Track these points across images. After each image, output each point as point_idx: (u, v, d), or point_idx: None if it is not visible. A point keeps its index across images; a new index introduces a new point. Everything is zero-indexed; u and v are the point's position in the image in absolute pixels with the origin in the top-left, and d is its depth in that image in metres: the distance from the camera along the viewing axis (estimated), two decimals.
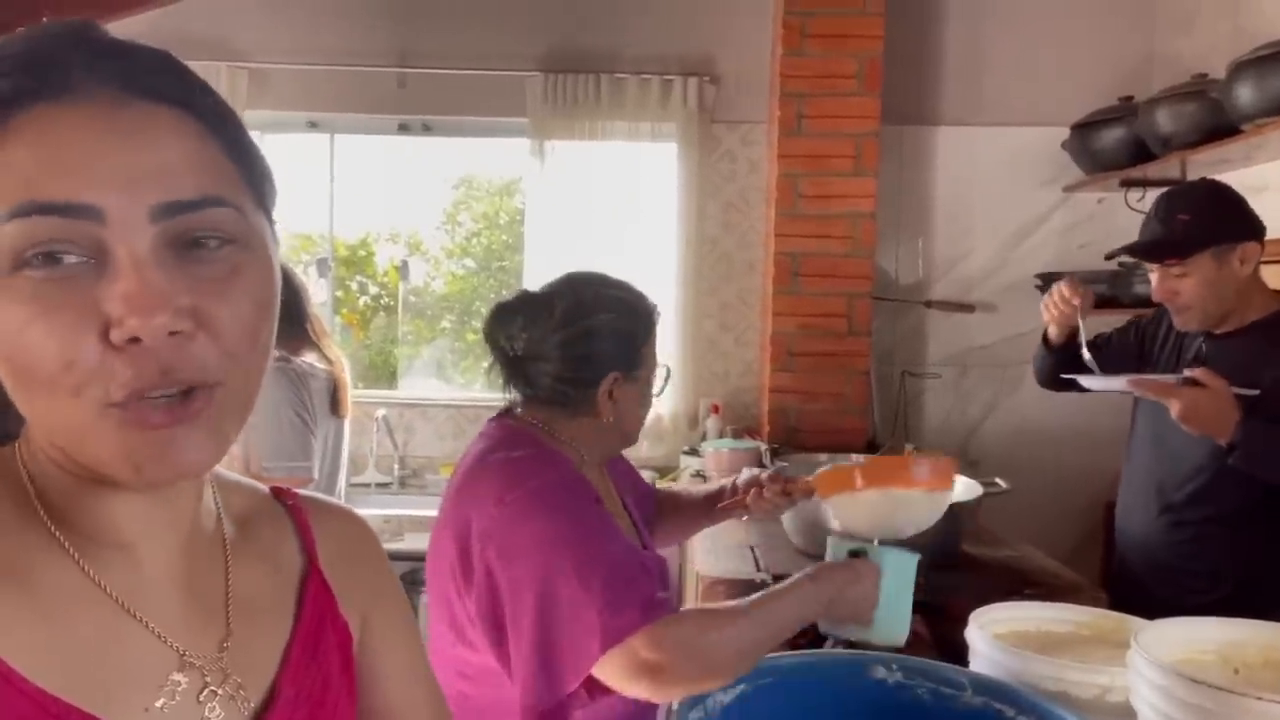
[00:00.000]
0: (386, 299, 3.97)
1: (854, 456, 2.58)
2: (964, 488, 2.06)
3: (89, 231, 0.45)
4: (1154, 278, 1.78)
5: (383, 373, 3.84)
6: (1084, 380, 1.90)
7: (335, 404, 2.46)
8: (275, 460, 2.34)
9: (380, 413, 3.31)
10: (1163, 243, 1.73)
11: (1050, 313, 1.99)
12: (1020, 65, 3.33)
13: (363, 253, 4.06)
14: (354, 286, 4.02)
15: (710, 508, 1.58)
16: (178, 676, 0.53)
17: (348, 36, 3.37)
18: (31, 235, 0.45)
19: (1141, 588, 1.78)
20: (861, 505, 1.29)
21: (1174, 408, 1.63)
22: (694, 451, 2.97)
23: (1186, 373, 1.65)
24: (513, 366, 1.30)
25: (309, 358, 2.43)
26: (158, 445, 0.47)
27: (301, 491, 0.68)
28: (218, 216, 0.49)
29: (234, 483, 0.64)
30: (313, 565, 0.64)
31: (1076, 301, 1.92)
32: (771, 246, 3.11)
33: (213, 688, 0.54)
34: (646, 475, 3.11)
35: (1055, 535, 3.04)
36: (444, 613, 1.22)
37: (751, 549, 2.11)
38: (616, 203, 3.33)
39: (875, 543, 1.29)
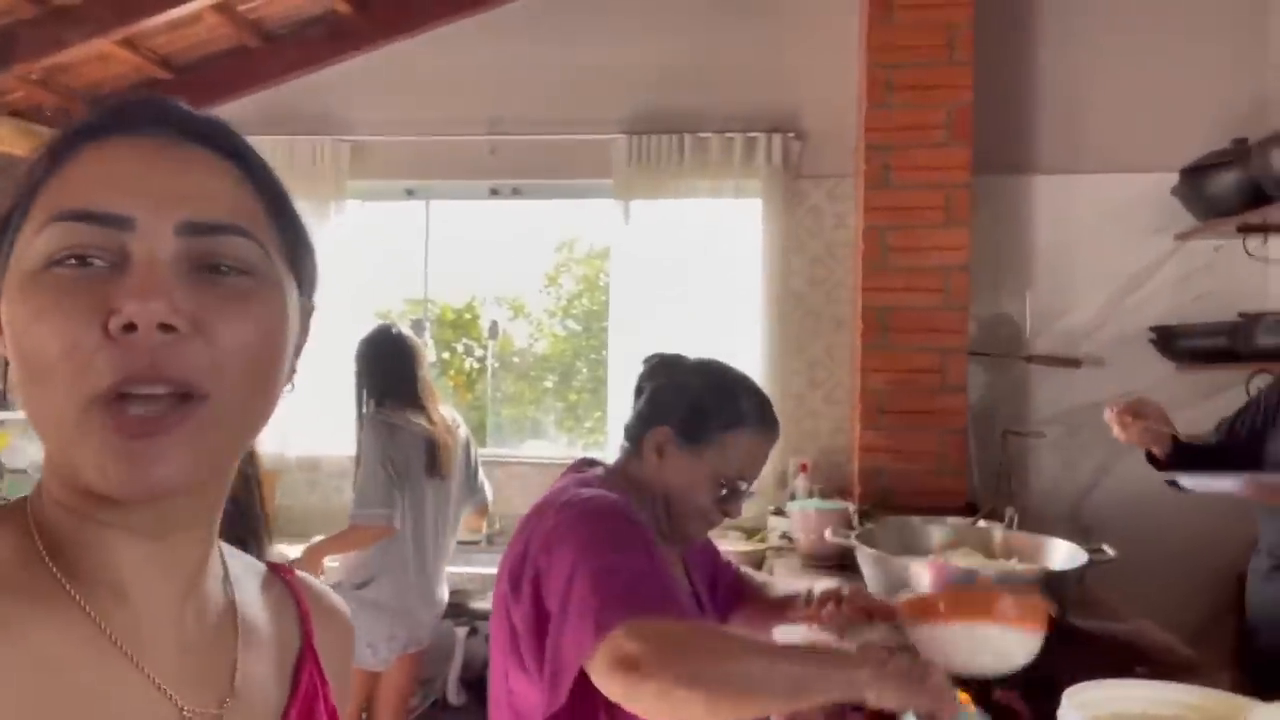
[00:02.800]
0: (492, 361, 4.07)
1: (949, 520, 2.44)
2: (1067, 554, 1.92)
3: (116, 238, 0.49)
4: None
5: (485, 433, 3.91)
6: (1184, 481, 1.78)
7: (431, 463, 2.50)
8: (358, 508, 2.40)
9: None
10: None
11: (1127, 436, 1.95)
12: (1121, 109, 3.20)
13: (468, 316, 4.17)
14: (460, 349, 4.12)
15: (782, 612, 1.51)
16: None
17: (442, 107, 3.52)
18: (66, 239, 0.49)
19: (1275, 665, 1.60)
20: (945, 638, 1.21)
21: None
22: (780, 512, 2.88)
23: None
24: None
25: (412, 416, 2.49)
26: (131, 455, 0.48)
27: (298, 572, 0.69)
28: (239, 246, 0.52)
29: (237, 553, 0.65)
30: (308, 645, 0.65)
31: (1129, 423, 1.90)
32: (859, 301, 3.04)
33: None
34: (733, 536, 3.04)
35: (1181, 608, 2.80)
36: (503, 640, 1.22)
37: None
38: (701, 261, 3.33)
39: None
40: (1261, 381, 2.82)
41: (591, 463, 1.40)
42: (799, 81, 3.35)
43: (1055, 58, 3.24)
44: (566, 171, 3.47)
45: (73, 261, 0.49)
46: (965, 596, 1.24)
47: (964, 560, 1.96)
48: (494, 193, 3.59)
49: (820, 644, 1.04)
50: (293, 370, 0.58)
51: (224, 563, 0.62)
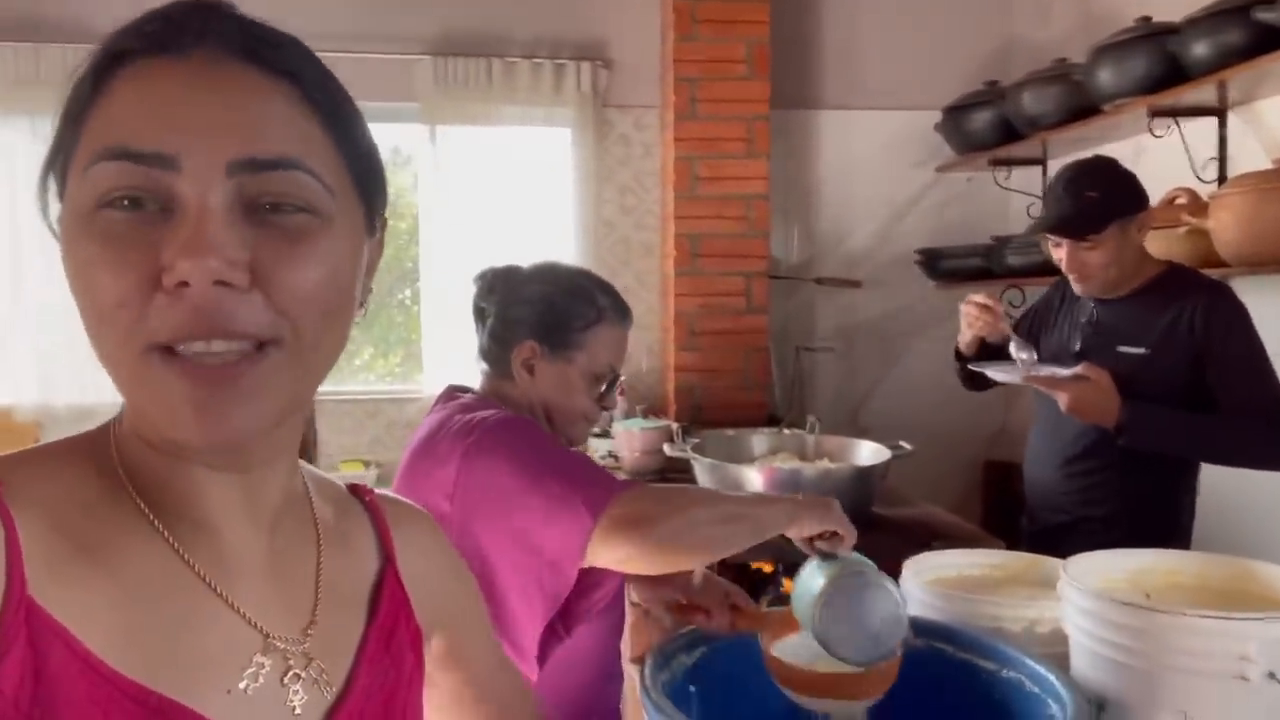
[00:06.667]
0: None
1: (761, 430, 2.66)
2: (872, 451, 2.18)
3: (164, 179, 0.47)
4: (1061, 251, 1.86)
5: None
6: (990, 371, 2.01)
7: None
8: None
9: None
10: (1076, 219, 1.81)
11: (973, 325, 2.04)
12: (893, 51, 3.50)
13: None
14: None
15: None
16: (262, 658, 0.53)
17: None
18: (114, 179, 0.47)
19: (1048, 534, 1.93)
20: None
21: (1062, 402, 1.76)
22: (605, 434, 2.99)
23: (1072, 371, 1.78)
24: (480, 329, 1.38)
25: None
26: (202, 404, 0.47)
27: (379, 491, 0.69)
28: (296, 181, 0.49)
29: (316, 474, 0.65)
30: (389, 565, 0.65)
31: (994, 306, 1.99)
32: (671, 228, 3.17)
33: (296, 671, 0.54)
34: None
35: (941, 493, 3.23)
36: None
37: None
38: (513, 188, 3.31)
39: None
40: (1013, 297, 3.26)
41: (461, 389, 1.37)
42: (605, 10, 3.36)
43: (840, 1, 3.48)
44: (367, 93, 3.29)
45: (125, 202, 0.47)
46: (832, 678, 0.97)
47: (785, 464, 2.18)
48: None
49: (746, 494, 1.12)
50: (367, 291, 0.56)
51: (306, 485, 0.61)
